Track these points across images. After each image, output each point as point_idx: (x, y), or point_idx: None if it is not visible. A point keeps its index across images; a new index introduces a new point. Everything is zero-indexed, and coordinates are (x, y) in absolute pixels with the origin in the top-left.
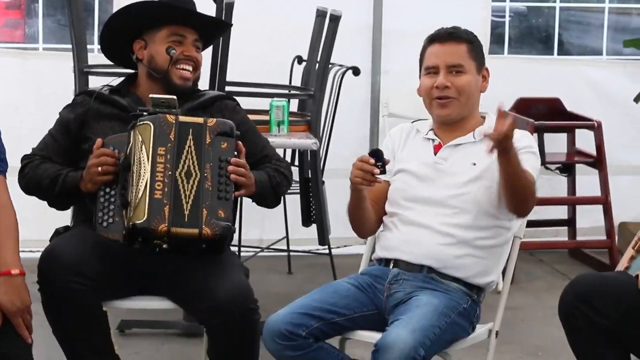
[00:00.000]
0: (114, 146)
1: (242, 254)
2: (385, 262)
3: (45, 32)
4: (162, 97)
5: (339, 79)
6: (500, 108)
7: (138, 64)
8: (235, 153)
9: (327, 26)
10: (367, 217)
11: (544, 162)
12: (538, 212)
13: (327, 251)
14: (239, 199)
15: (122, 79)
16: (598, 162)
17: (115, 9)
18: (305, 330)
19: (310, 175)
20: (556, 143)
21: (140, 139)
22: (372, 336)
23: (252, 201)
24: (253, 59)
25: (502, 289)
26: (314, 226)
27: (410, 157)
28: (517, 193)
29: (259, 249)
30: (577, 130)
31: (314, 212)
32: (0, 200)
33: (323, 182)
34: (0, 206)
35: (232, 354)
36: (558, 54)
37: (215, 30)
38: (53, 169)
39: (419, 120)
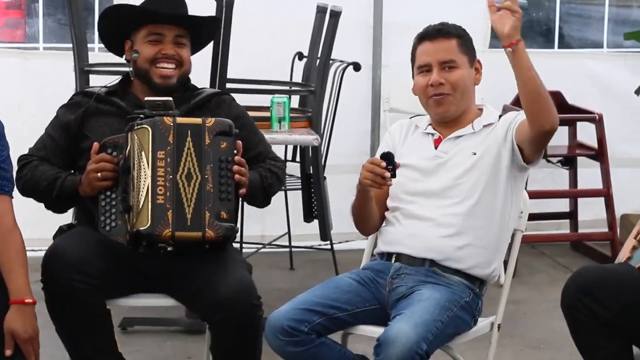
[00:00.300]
0: (112, 148)
1: (244, 250)
2: (387, 256)
3: (46, 31)
4: (158, 100)
5: (340, 75)
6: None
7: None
8: (235, 152)
9: (327, 22)
10: (371, 215)
11: (545, 155)
12: (540, 205)
13: (329, 247)
14: None
15: (119, 78)
16: (599, 154)
17: None
18: (307, 326)
19: (311, 171)
20: (557, 136)
21: (139, 143)
22: (375, 331)
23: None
24: (254, 55)
25: (504, 282)
26: (315, 222)
27: (411, 152)
28: (537, 94)
29: (260, 245)
30: (579, 123)
31: (315, 208)
32: (7, 224)
33: (324, 177)
34: (7, 230)
35: (234, 350)
36: (559, 47)
37: (203, 26)
38: (51, 171)
39: (417, 115)
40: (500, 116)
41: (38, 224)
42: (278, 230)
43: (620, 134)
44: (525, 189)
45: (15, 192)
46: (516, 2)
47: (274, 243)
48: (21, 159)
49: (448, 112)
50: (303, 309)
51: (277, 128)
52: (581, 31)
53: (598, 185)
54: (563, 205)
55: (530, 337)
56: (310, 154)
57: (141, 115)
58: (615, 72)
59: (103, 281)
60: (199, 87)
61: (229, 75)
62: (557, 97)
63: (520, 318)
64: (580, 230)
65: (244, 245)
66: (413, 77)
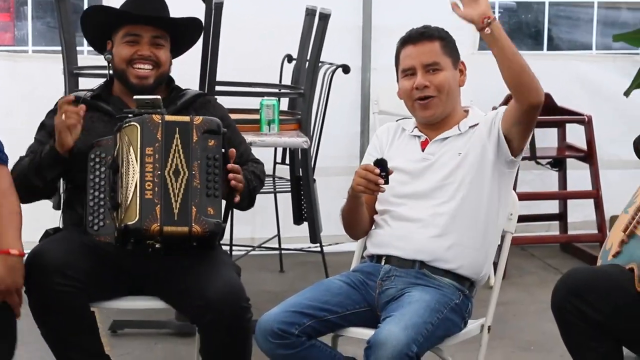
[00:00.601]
0: (99, 150)
1: (233, 252)
2: (377, 258)
3: (35, 34)
4: (146, 98)
5: (329, 77)
6: None
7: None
8: (223, 150)
9: (316, 24)
10: (362, 220)
11: (534, 157)
12: (529, 207)
13: (318, 249)
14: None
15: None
16: (589, 156)
17: None
18: (297, 329)
19: (301, 174)
20: (547, 138)
21: (128, 141)
22: (365, 333)
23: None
24: (243, 57)
25: (493, 284)
26: (305, 224)
27: (398, 155)
28: (521, 69)
29: (250, 248)
30: (568, 125)
31: (305, 210)
32: (1, 187)
33: (314, 180)
34: (1, 193)
35: (224, 353)
36: (548, 49)
37: (181, 27)
38: (31, 155)
39: (404, 118)
40: None
41: (25, 228)
42: (268, 232)
43: (609, 135)
44: (515, 190)
45: None
46: None
47: (263, 245)
48: (14, 166)
49: (434, 115)
50: (293, 311)
51: (266, 130)
52: (570, 33)
53: (587, 187)
54: (552, 207)
55: (521, 339)
56: (300, 157)
57: (130, 115)
58: (604, 73)
59: (88, 283)
60: (184, 88)
61: (218, 78)
62: (546, 99)
63: (510, 320)
64: (569, 232)
65: (233, 247)
66: (398, 81)
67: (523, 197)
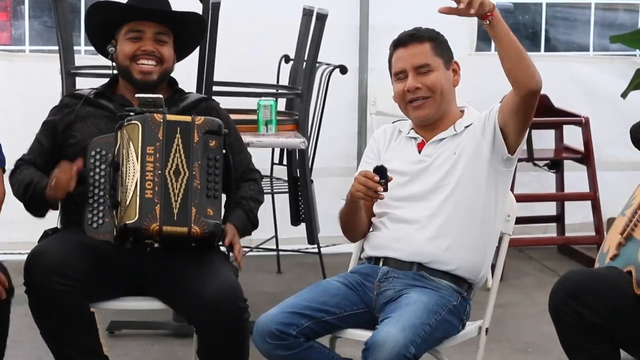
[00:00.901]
0: (100, 147)
1: (231, 253)
2: (375, 260)
3: (32, 34)
4: (148, 97)
5: (327, 78)
6: None
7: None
8: (224, 151)
9: (313, 25)
10: (360, 223)
11: (532, 159)
12: (527, 209)
13: (316, 250)
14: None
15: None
16: (586, 158)
17: None
18: (295, 330)
19: (298, 175)
20: (544, 139)
21: (129, 139)
22: (363, 334)
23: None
24: (240, 58)
25: (491, 286)
26: (302, 225)
27: (395, 157)
28: (520, 56)
29: (248, 249)
30: (565, 127)
31: (302, 211)
32: None
33: (312, 181)
34: None
35: (221, 353)
36: (545, 51)
37: (185, 23)
38: (29, 176)
39: (400, 120)
40: None
41: (24, 227)
42: (265, 233)
43: (606, 137)
44: (512, 192)
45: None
46: None
47: (261, 246)
48: (15, 165)
49: (428, 116)
50: (291, 312)
51: (264, 131)
52: (567, 34)
53: (585, 188)
54: (550, 208)
55: (518, 341)
56: (297, 157)
57: (131, 113)
58: (601, 75)
59: (86, 283)
60: (186, 91)
61: (216, 78)
62: (544, 100)
63: (508, 322)
64: (567, 234)
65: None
66: (392, 84)
67: (520, 198)
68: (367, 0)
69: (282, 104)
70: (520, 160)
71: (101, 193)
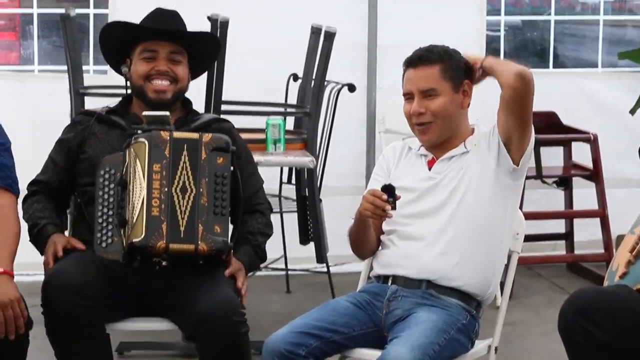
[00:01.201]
0: (110, 166)
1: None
2: (384, 279)
3: (41, 54)
4: (155, 114)
5: (335, 96)
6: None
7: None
8: (232, 167)
9: (322, 43)
10: (369, 241)
11: (540, 176)
12: (536, 226)
13: (325, 269)
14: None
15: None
16: (595, 175)
17: None
18: (304, 350)
19: (307, 194)
20: (552, 157)
21: (136, 157)
22: (372, 354)
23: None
24: (249, 76)
25: (500, 304)
26: (311, 244)
27: (405, 174)
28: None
29: (253, 272)
30: (574, 144)
31: (311, 231)
32: (5, 214)
33: (320, 200)
34: (3, 218)
35: None
36: (553, 67)
37: (198, 42)
38: (38, 213)
39: (409, 137)
40: None
41: (32, 248)
42: (274, 253)
43: (615, 153)
44: (521, 210)
45: None
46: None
47: (270, 266)
48: (28, 186)
49: (431, 140)
50: (300, 332)
51: (272, 150)
52: (576, 51)
53: (594, 205)
54: (559, 226)
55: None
56: (306, 176)
57: (139, 131)
58: (610, 91)
59: (102, 303)
60: (198, 111)
61: (224, 97)
62: (552, 117)
63: (517, 340)
64: (576, 251)
65: None
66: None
67: (529, 216)
68: (376, 18)
69: (290, 123)
70: (528, 177)
71: (110, 212)
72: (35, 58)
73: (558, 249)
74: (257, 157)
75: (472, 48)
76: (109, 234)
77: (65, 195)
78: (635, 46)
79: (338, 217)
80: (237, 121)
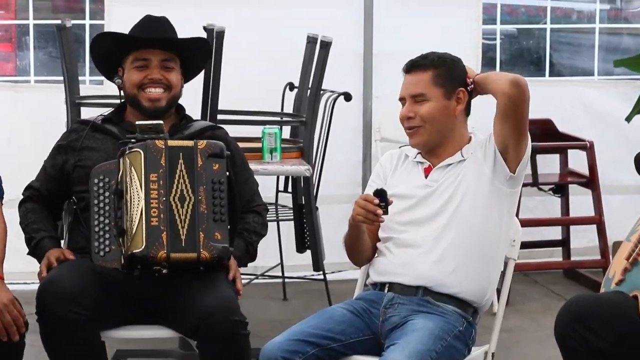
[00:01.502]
0: (103, 174)
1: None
2: (380, 286)
3: (37, 64)
4: (148, 123)
5: (331, 105)
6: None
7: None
8: (228, 173)
9: (317, 52)
10: (364, 248)
11: (537, 183)
12: (532, 233)
13: (321, 277)
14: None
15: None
16: (591, 182)
17: None
18: (301, 357)
19: (303, 202)
20: (549, 164)
21: (131, 167)
22: None
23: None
24: (245, 85)
25: (497, 311)
26: (308, 252)
27: (402, 182)
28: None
29: (253, 276)
30: (570, 151)
31: (308, 238)
32: None
33: (317, 208)
34: None
35: None
36: (549, 75)
37: (190, 49)
38: (34, 225)
39: (406, 145)
40: None
41: (27, 257)
42: (271, 260)
43: (611, 161)
44: (517, 217)
45: (11, 221)
46: None
47: (266, 274)
48: (24, 190)
49: (419, 144)
50: (297, 339)
51: (268, 159)
52: (572, 59)
53: (590, 212)
54: (555, 233)
55: None
56: (302, 185)
57: (132, 140)
58: (606, 99)
59: (98, 311)
60: (194, 119)
61: (220, 106)
62: (548, 124)
63: (514, 347)
64: (572, 258)
65: None
66: None
67: (525, 223)
68: (371, 27)
69: (286, 132)
70: (525, 185)
71: (106, 221)
72: (31, 69)
73: (555, 255)
74: (253, 166)
75: (468, 57)
76: (107, 242)
77: (56, 204)
78: (631, 54)
79: (334, 225)
80: (234, 130)
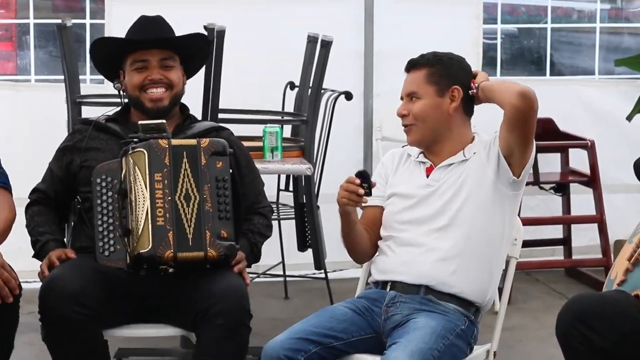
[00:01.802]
0: (106, 174)
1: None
2: (382, 284)
3: (37, 63)
4: (151, 123)
5: (332, 104)
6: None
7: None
8: (231, 171)
9: (318, 52)
10: (360, 241)
11: (538, 182)
12: (533, 232)
13: (323, 275)
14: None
15: (118, 108)
16: (592, 181)
17: None
18: (303, 356)
19: (305, 201)
20: (550, 163)
21: (135, 167)
22: None
23: None
24: (246, 84)
25: (499, 309)
26: (309, 251)
27: (403, 181)
28: (510, 92)
29: (255, 275)
30: (571, 150)
31: (309, 237)
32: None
33: (318, 207)
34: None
35: (218, 352)
36: (550, 75)
37: (188, 46)
38: (39, 228)
39: (408, 144)
40: None
41: (31, 256)
42: (272, 259)
43: (612, 160)
44: (519, 215)
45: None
46: None
47: (268, 272)
48: (30, 193)
49: (414, 142)
50: (299, 338)
51: (269, 158)
52: (572, 58)
53: (591, 211)
54: (557, 231)
55: None
56: (304, 183)
57: (135, 140)
58: (607, 98)
59: (100, 310)
60: (196, 116)
61: (221, 105)
62: (549, 124)
63: (516, 345)
64: (574, 257)
65: None
66: None
67: (527, 222)
68: (372, 26)
69: (287, 131)
70: (526, 183)
71: (110, 220)
72: (31, 68)
73: (556, 254)
74: None
75: (468, 55)
76: (111, 242)
77: (63, 205)
78: (632, 53)
79: (336, 223)
80: (235, 129)
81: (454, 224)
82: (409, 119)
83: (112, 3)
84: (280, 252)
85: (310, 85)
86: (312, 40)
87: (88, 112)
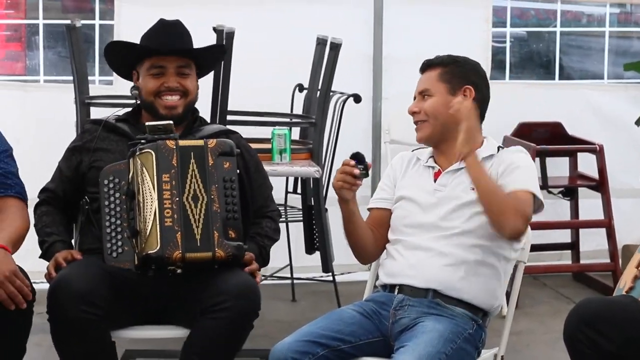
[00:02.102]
0: (113, 175)
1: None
2: (390, 288)
3: (46, 64)
4: (158, 124)
5: (340, 107)
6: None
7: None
8: (238, 171)
9: (327, 54)
10: (363, 235)
11: (546, 186)
12: (541, 236)
13: (331, 278)
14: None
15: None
16: (600, 185)
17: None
18: (311, 358)
19: (313, 203)
20: (558, 167)
21: (143, 168)
22: None
23: None
24: (254, 87)
25: (506, 314)
26: (317, 253)
27: (411, 185)
28: (487, 205)
29: (262, 277)
30: (579, 154)
31: (317, 240)
32: (14, 210)
33: (326, 209)
34: (13, 213)
35: (218, 341)
36: (559, 79)
37: (205, 56)
38: (47, 229)
39: (419, 148)
40: (499, 147)
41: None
42: (280, 262)
43: (621, 164)
44: None
45: None
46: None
47: (275, 275)
48: (39, 193)
49: (424, 139)
50: (306, 341)
51: (278, 160)
52: (581, 62)
53: (599, 216)
54: (565, 236)
55: None
56: (312, 186)
57: (142, 140)
58: (616, 103)
59: (109, 311)
60: (205, 119)
61: (230, 108)
62: (558, 128)
63: (524, 350)
64: (582, 261)
65: None
66: None
67: (535, 226)
68: (381, 29)
69: (296, 133)
70: None
71: (118, 222)
72: (40, 68)
73: (564, 258)
74: None
75: (477, 58)
76: (119, 243)
77: (72, 204)
78: None
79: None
80: (243, 131)
81: (461, 230)
82: (420, 116)
83: (122, 4)
84: (288, 254)
85: (319, 87)
86: (321, 42)
87: (97, 113)
